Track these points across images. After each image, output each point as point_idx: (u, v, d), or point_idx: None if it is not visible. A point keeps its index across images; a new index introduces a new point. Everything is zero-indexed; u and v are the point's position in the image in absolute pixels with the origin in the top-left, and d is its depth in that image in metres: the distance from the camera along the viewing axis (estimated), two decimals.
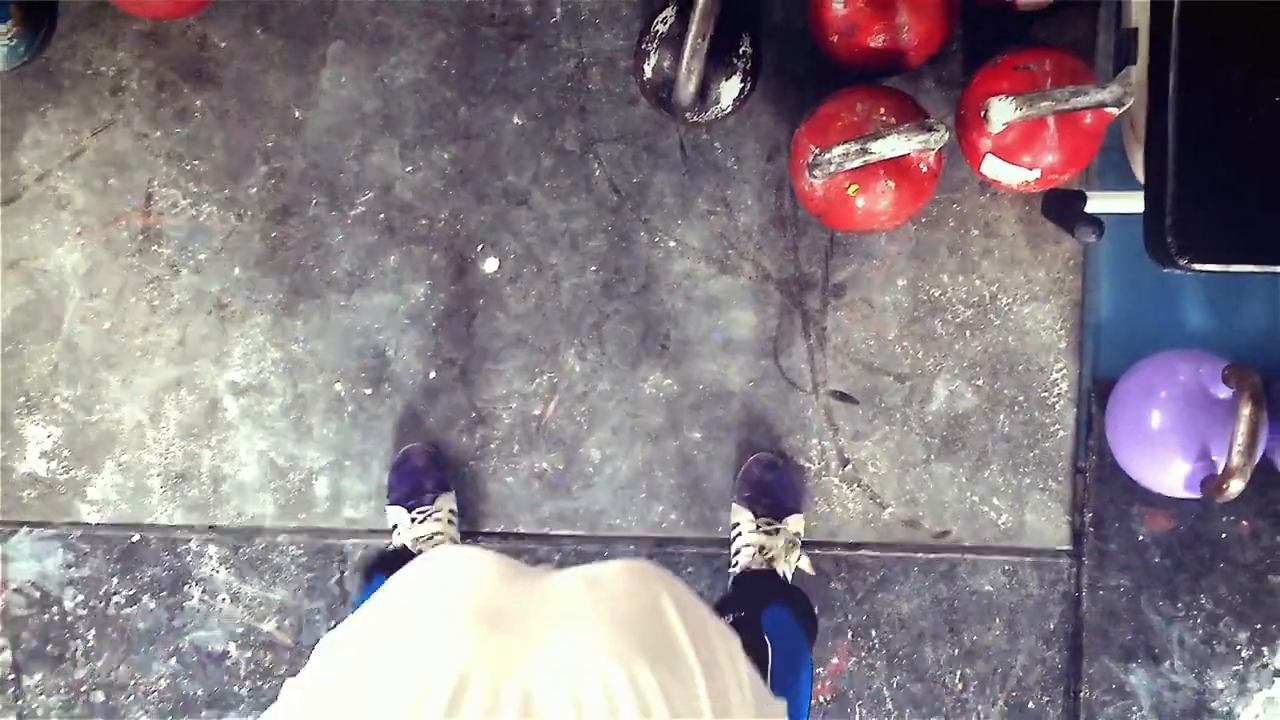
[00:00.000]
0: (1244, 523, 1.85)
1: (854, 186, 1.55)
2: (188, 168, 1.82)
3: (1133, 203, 1.37)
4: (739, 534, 1.77)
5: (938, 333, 1.84)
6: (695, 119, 1.66)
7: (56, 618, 1.89)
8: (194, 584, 1.88)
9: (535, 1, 1.80)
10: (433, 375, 1.84)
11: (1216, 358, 1.62)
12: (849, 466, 1.86)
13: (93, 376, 1.85)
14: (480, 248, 1.83)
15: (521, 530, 1.87)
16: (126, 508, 1.87)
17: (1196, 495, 1.61)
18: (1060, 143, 1.52)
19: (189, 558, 1.88)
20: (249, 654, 1.89)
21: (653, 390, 1.84)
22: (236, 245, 1.83)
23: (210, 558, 1.88)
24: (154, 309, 1.84)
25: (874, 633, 1.88)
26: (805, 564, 1.78)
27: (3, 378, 1.85)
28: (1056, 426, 1.85)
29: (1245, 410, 1.47)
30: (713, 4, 1.48)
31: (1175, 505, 1.83)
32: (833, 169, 1.50)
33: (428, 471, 1.80)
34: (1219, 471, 1.53)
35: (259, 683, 1.89)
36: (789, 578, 1.74)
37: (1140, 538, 1.86)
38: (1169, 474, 1.64)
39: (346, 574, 1.88)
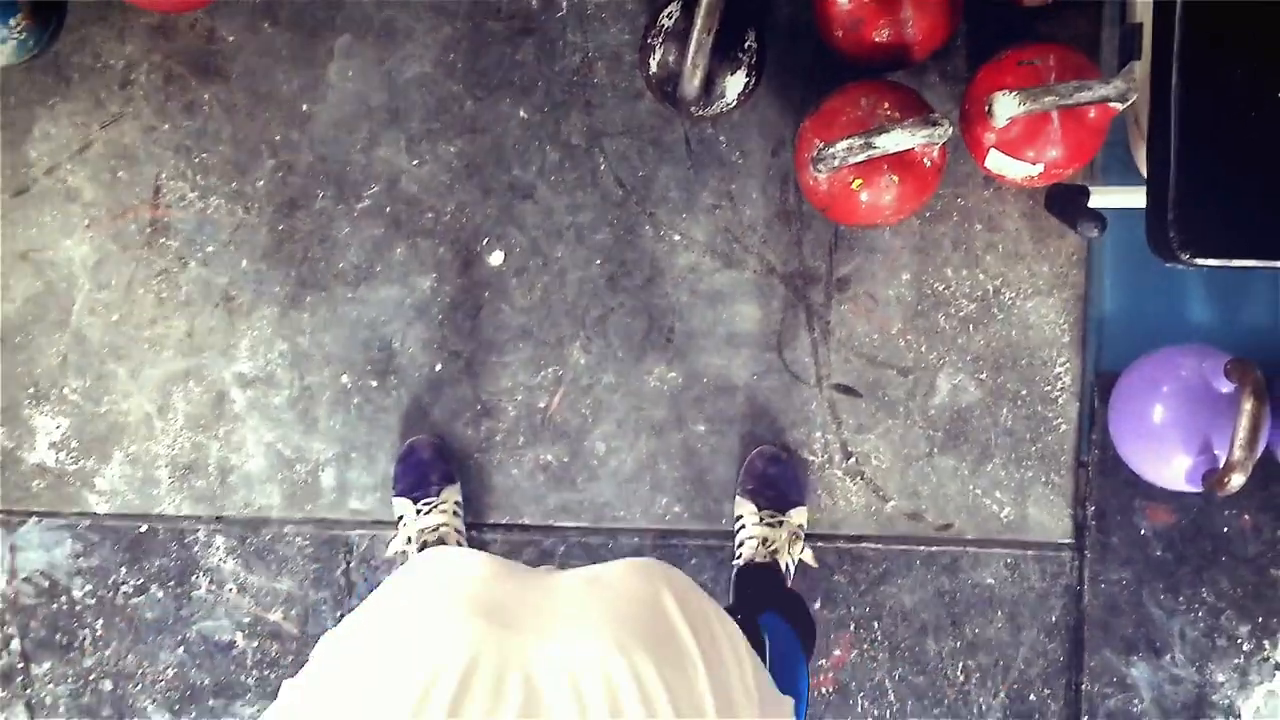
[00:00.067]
0: (1245, 517, 1.86)
1: (858, 181, 1.56)
2: (196, 161, 1.84)
3: (1136, 197, 1.37)
4: (742, 526, 1.78)
5: (941, 327, 1.84)
6: (700, 113, 1.67)
7: (65, 607, 1.91)
8: (201, 574, 1.90)
9: None
10: (438, 368, 1.85)
11: (1219, 352, 1.63)
12: (852, 459, 1.86)
13: (101, 368, 1.86)
14: (486, 241, 1.84)
15: (526, 522, 1.88)
16: (134, 498, 1.88)
17: (1198, 489, 1.61)
18: (1064, 138, 1.52)
19: (196, 548, 1.89)
20: (256, 644, 1.91)
21: (657, 383, 1.85)
22: (244, 238, 1.84)
23: (217, 548, 1.89)
24: (162, 301, 1.85)
25: (876, 625, 1.89)
26: (808, 556, 1.79)
27: (12, 368, 1.86)
28: (1059, 420, 1.86)
29: (1247, 405, 1.47)
30: None
31: (1177, 499, 1.83)
32: (837, 163, 1.50)
33: (433, 463, 1.81)
34: (1220, 466, 1.53)
35: (265, 672, 1.90)
36: (792, 570, 1.75)
37: (1142, 531, 1.86)
38: (1171, 468, 1.65)
39: (352, 565, 1.89)
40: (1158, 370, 1.69)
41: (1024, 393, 1.85)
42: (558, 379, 1.85)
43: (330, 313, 1.85)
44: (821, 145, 1.52)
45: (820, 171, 1.55)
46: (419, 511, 1.76)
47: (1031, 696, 1.89)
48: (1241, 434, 1.48)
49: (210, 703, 1.91)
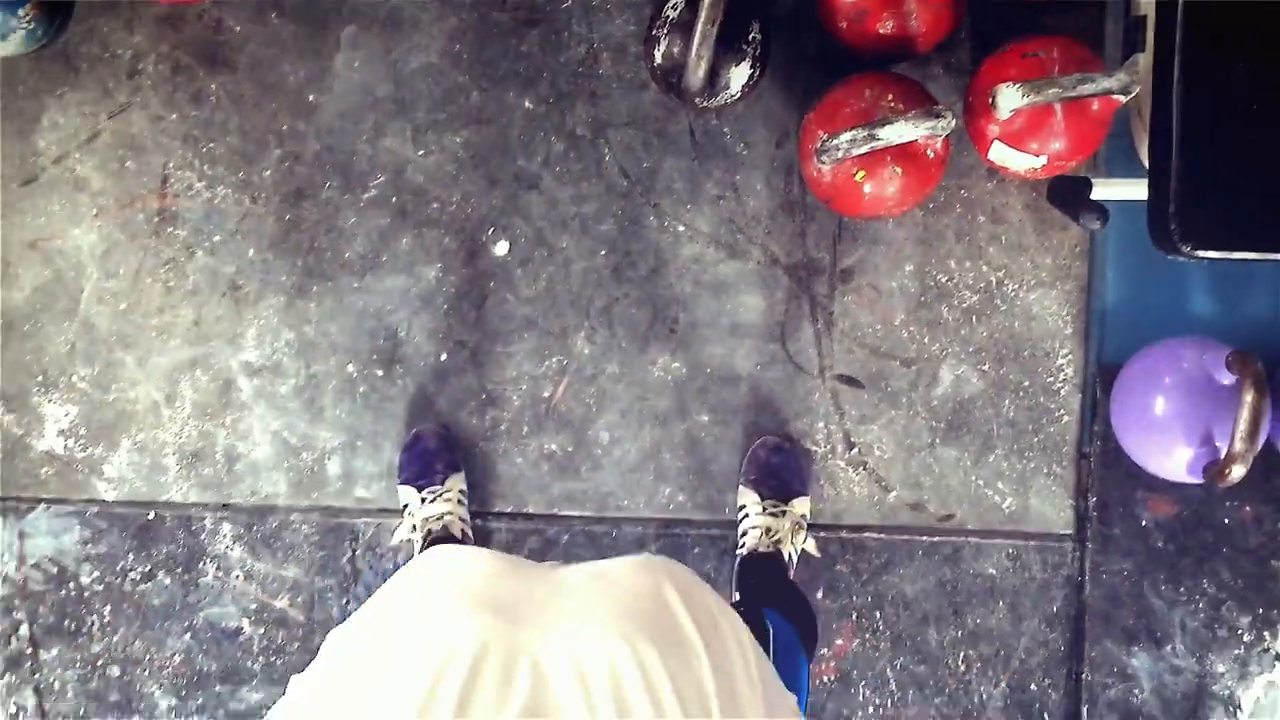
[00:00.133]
0: (1247, 508, 1.86)
1: (861, 172, 1.56)
2: (203, 151, 1.84)
3: (1139, 189, 1.38)
4: (746, 516, 1.78)
5: (944, 318, 1.85)
6: (705, 104, 1.67)
7: (73, 593, 1.92)
8: (208, 561, 1.91)
9: None
10: (444, 357, 1.86)
11: (1220, 344, 1.63)
12: (855, 450, 1.87)
13: (109, 356, 1.87)
14: (491, 231, 1.85)
15: (530, 510, 1.89)
16: (142, 485, 1.89)
17: (1199, 481, 1.61)
18: (1067, 129, 1.52)
19: (203, 535, 1.91)
20: (262, 630, 1.92)
21: (661, 373, 1.86)
22: (251, 228, 1.85)
23: (224, 535, 1.91)
24: (169, 290, 1.86)
25: (878, 614, 1.90)
26: (811, 546, 1.80)
27: (21, 356, 1.87)
28: (1061, 412, 1.86)
29: (1248, 397, 1.48)
30: None
31: (1178, 490, 1.84)
32: (840, 155, 1.51)
33: (438, 452, 1.82)
34: (1221, 457, 1.54)
35: (271, 658, 1.92)
36: (794, 560, 1.76)
37: (1143, 522, 1.87)
38: (1172, 459, 1.65)
39: (358, 552, 1.91)
40: (1159, 362, 1.69)
41: (1026, 384, 1.86)
42: (562, 369, 1.86)
43: (336, 302, 1.86)
44: (825, 137, 1.53)
45: (824, 163, 1.55)
46: (424, 500, 1.77)
47: (1032, 686, 1.90)
48: (1242, 426, 1.48)
49: (216, 688, 1.93)
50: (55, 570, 1.92)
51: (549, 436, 1.87)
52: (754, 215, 1.84)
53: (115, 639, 1.92)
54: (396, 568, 1.87)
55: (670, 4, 1.63)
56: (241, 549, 1.91)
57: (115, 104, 1.84)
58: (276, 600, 1.92)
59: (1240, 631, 1.88)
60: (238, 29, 1.83)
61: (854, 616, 1.90)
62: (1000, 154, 1.58)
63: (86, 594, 1.92)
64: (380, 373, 1.87)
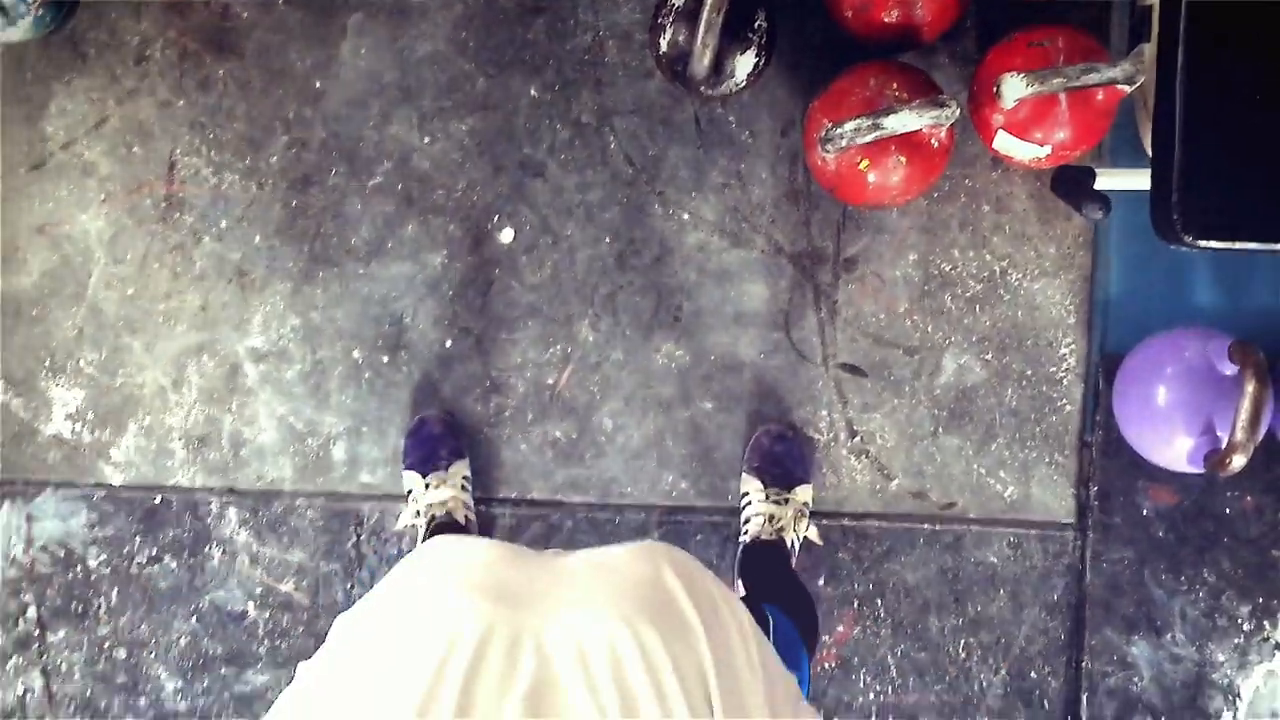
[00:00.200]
0: (1248, 498, 1.87)
1: (866, 161, 1.57)
2: (210, 137, 1.85)
3: (1143, 180, 1.38)
4: (749, 503, 1.79)
5: (947, 307, 1.85)
6: (710, 93, 1.67)
7: (80, 576, 1.94)
8: (214, 545, 1.92)
9: None
10: (449, 344, 1.87)
11: (1222, 334, 1.63)
12: (857, 438, 1.88)
13: (116, 341, 1.88)
14: (496, 218, 1.85)
15: (534, 497, 1.90)
16: (149, 470, 1.91)
17: (1201, 470, 1.62)
18: (1072, 119, 1.52)
19: (209, 519, 1.92)
20: (267, 614, 1.93)
21: (665, 361, 1.87)
22: (257, 214, 1.86)
23: (230, 520, 1.92)
24: (176, 275, 1.87)
25: (879, 602, 1.91)
26: (813, 534, 1.81)
27: (29, 341, 1.88)
28: (1064, 401, 1.87)
29: (1249, 387, 1.48)
30: None
31: (1180, 480, 1.84)
32: (845, 144, 1.51)
33: (443, 438, 1.82)
34: (1223, 447, 1.54)
35: (277, 642, 1.93)
36: (797, 547, 1.77)
37: (1144, 512, 1.88)
38: (1174, 449, 1.65)
39: (363, 537, 1.92)
40: (1162, 352, 1.70)
41: (1029, 373, 1.86)
42: (566, 356, 1.87)
43: (342, 288, 1.87)
44: (830, 125, 1.53)
45: (828, 151, 1.56)
46: (428, 485, 1.78)
47: (1032, 674, 1.91)
48: (1243, 416, 1.49)
49: (222, 671, 1.94)
50: (62, 553, 1.93)
51: (553, 423, 1.88)
52: (758, 204, 1.84)
53: (122, 621, 1.94)
54: (401, 553, 1.89)
55: None
56: (247, 533, 1.92)
57: (123, 90, 1.85)
58: (281, 584, 1.93)
59: (1240, 620, 1.89)
60: (245, 15, 1.83)
61: (855, 604, 1.91)
62: (1005, 143, 1.58)
63: (93, 577, 1.93)
64: (385, 359, 1.88)
